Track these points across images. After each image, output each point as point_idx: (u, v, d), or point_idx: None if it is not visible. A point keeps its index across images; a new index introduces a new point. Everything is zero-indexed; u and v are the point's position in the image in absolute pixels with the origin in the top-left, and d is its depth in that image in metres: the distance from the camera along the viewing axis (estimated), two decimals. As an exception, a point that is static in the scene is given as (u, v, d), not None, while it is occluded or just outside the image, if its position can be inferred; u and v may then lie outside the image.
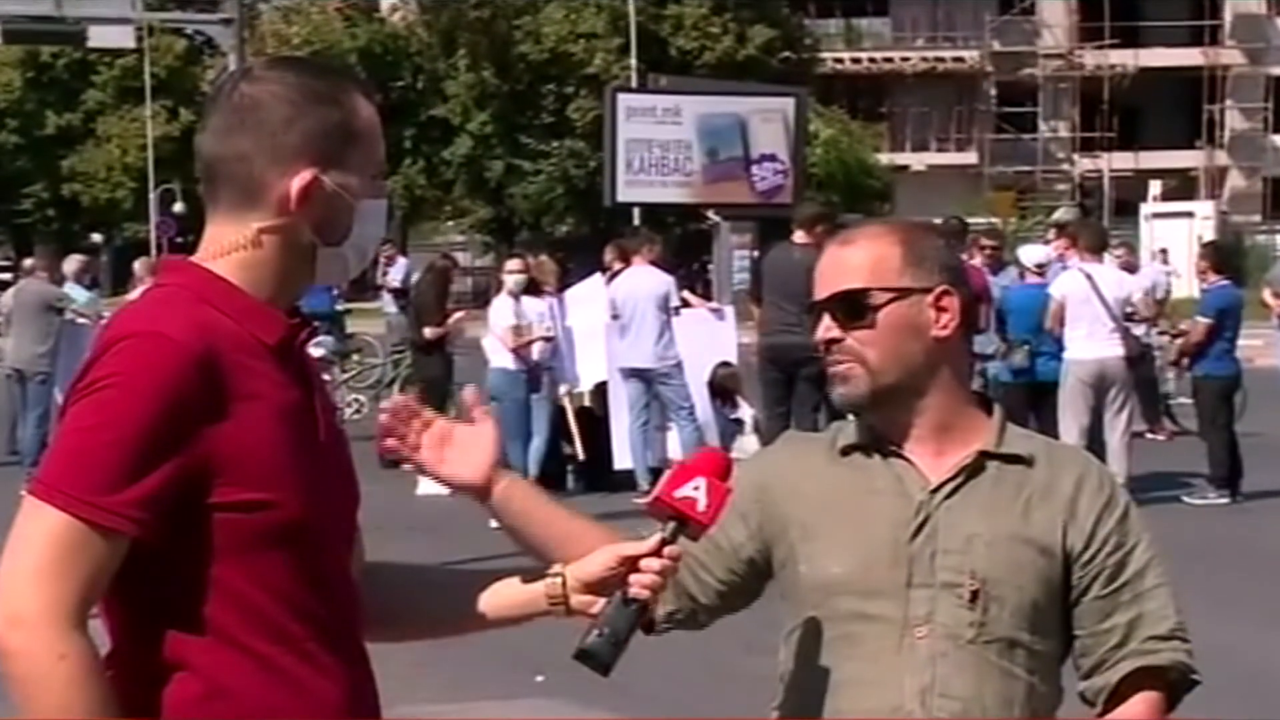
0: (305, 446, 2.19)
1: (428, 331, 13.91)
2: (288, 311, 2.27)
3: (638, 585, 2.28)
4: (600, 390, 13.64)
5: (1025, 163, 56.31)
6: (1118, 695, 2.54)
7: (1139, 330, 13.19)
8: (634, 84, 35.18)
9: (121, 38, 23.04)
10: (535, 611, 2.40)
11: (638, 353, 12.95)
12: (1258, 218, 54.36)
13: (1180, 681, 2.56)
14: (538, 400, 12.78)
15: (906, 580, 2.48)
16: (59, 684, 2.01)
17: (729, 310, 15.16)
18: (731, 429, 13.87)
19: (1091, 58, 56.06)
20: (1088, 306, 12.06)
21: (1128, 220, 43.65)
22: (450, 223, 54.82)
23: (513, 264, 13.29)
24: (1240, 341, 13.39)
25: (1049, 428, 10.99)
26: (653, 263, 13.25)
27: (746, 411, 14.08)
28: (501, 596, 2.42)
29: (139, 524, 2.05)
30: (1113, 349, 12.09)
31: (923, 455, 2.55)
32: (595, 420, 13.48)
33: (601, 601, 2.30)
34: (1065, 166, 57.36)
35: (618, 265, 13.96)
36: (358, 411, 16.77)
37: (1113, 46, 55.03)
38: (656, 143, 19.81)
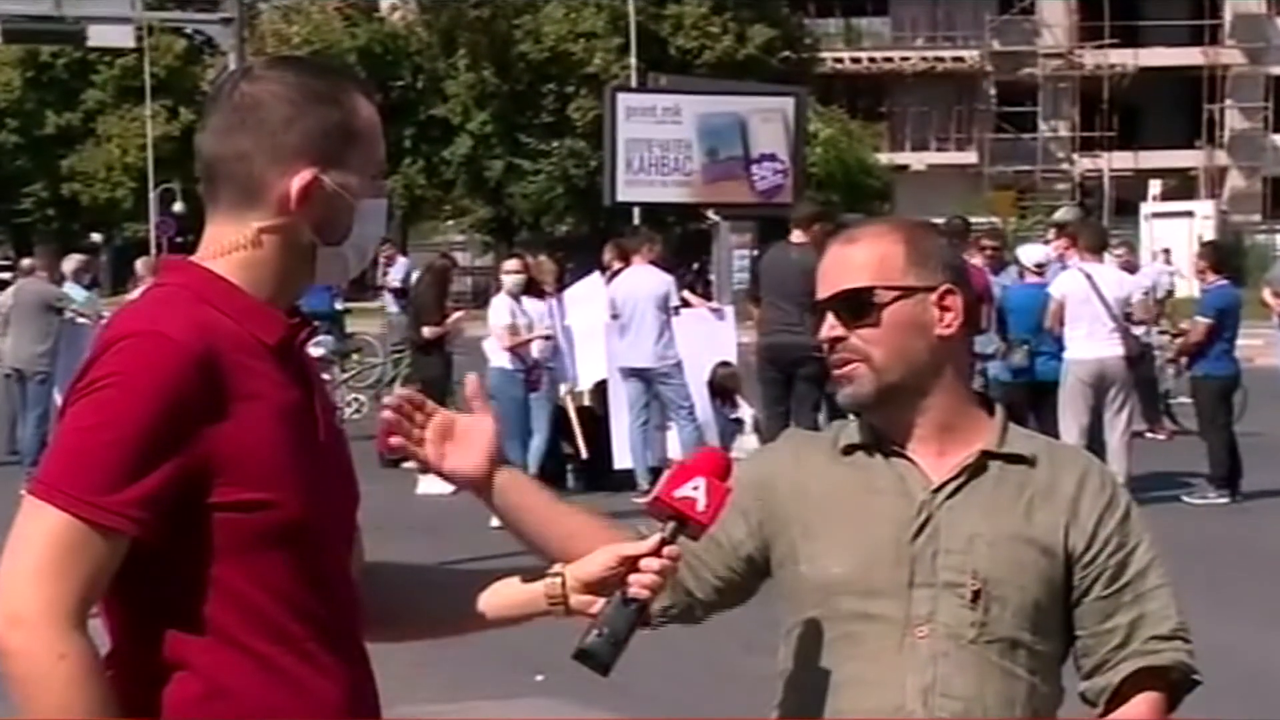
0: (305, 446, 2.19)
1: (427, 331, 13.91)
2: (288, 311, 2.27)
3: (637, 585, 2.28)
4: (600, 389, 13.65)
5: (1025, 162, 56.33)
6: (1119, 695, 2.54)
7: (1139, 330, 13.18)
8: (634, 83, 35.18)
9: (121, 37, 23.02)
10: (535, 611, 2.39)
11: (637, 352, 12.96)
12: (1257, 217, 54.39)
13: (1182, 682, 2.56)
14: (537, 399, 12.78)
15: (908, 580, 2.47)
16: (59, 684, 2.00)
17: (729, 310, 15.16)
18: (731, 429, 13.88)
19: (1091, 57, 56.08)
20: (1087, 306, 12.06)
21: (1128, 220, 43.68)
22: (450, 222, 54.81)
23: (511, 264, 13.30)
24: (1240, 341, 13.39)
25: (1049, 427, 10.99)
26: (652, 262, 13.25)
27: (746, 411, 14.08)
28: (501, 596, 2.42)
29: (139, 524, 2.05)
30: (1112, 349, 12.10)
31: (925, 455, 2.55)
32: (595, 420, 13.48)
33: (601, 601, 2.30)
34: (1065, 166, 57.38)
35: (617, 265, 13.97)
36: (358, 411, 16.77)
37: (1112, 46, 55.05)
38: (656, 142, 19.82)
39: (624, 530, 2.51)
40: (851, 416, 2.64)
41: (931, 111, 57.19)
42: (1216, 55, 55.86)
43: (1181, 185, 51.91)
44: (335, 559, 2.26)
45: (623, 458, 13.18)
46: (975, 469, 2.53)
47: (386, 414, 2.44)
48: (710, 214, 23.23)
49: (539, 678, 7.25)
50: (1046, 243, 14.95)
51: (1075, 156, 57.15)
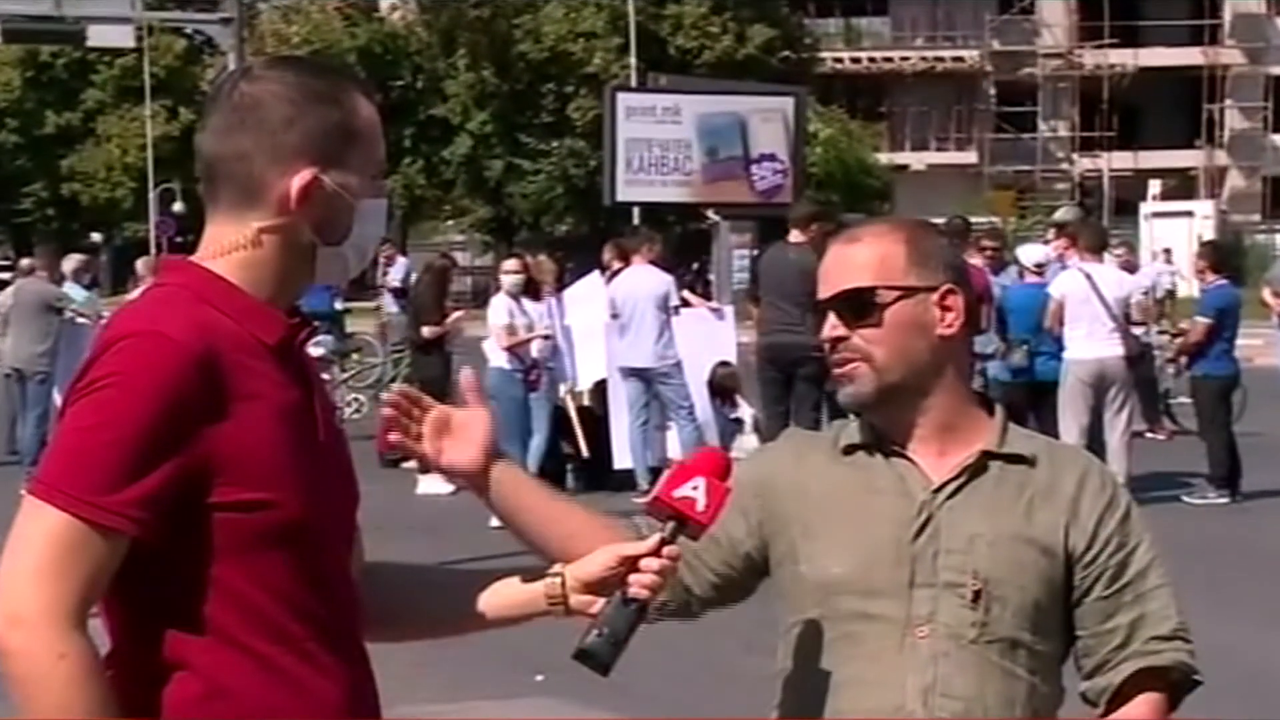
0: (305, 446, 2.19)
1: (426, 331, 13.91)
2: (288, 311, 2.27)
3: (637, 585, 2.28)
4: (600, 389, 13.65)
5: (1025, 162, 56.33)
6: (1120, 696, 2.54)
7: (1139, 330, 13.18)
8: (634, 83, 35.19)
9: (121, 37, 23.02)
10: (535, 611, 2.40)
11: (637, 352, 12.96)
12: (1257, 217, 54.40)
13: (1183, 682, 2.56)
14: (537, 399, 12.78)
15: (909, 580, 2.47)
16: (59, 684, 2.00)
17: (728, 310, 15.16)
18: (731, 428, 13.88)
19: (1091, 57, 56.08)
20: (1087, 306, 12.06)
21: (1127, 220, 43.70)
22: (450, 222, 54.81)
23: (510, 264, 13.30)
24: (1240, 341, 13.40)
25: (1049, 427, 10.99)
26: (652, 262, 13.25)
27: (746, 411, 14.08)
28: (501, 596, 2.42)
29: (139, 524, 2.05)
30: (1112, 349, 12.10)
31: (925, 455, 2.55)
32: (595, 420, 13.48)
33: (601, 601, 2.30)
34: (1065, 166, 57.38)
35: (616, 264, 13.97)
36: (358, 411, 16.77)
37: (1112, 46, 55.05)
38: (656, 142, 19.83)
39: (621, 526, 2.52)
40: (851, 416, 2.64)
41: (931, 111, 57.20)
42: (1216, 55, 55.86)
43: (1181, 185, 51.93)
44: (335, 559, 2.26)
45: (623, 458, 13.18)
46: (976, 469, 2.53)
47: (385, 410, 2.44)
48: (710, 214, 23.25)
49: (539, 678, 7.25)
50: (1046, 243, 14.95)
51: (1075, 156, 57.15)
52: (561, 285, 14.30)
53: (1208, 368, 12.76)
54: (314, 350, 8.50)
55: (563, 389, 13.38)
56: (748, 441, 13.25)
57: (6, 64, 54.63)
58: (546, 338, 12.82)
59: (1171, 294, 28.79)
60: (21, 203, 56.38)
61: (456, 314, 14.47)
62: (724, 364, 14.05)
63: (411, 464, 13.68)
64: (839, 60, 55.82)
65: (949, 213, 19.38)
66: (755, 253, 16.72)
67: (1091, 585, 2.53)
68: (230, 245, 2.23)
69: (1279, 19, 56.30)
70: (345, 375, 17.71)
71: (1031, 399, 12.18)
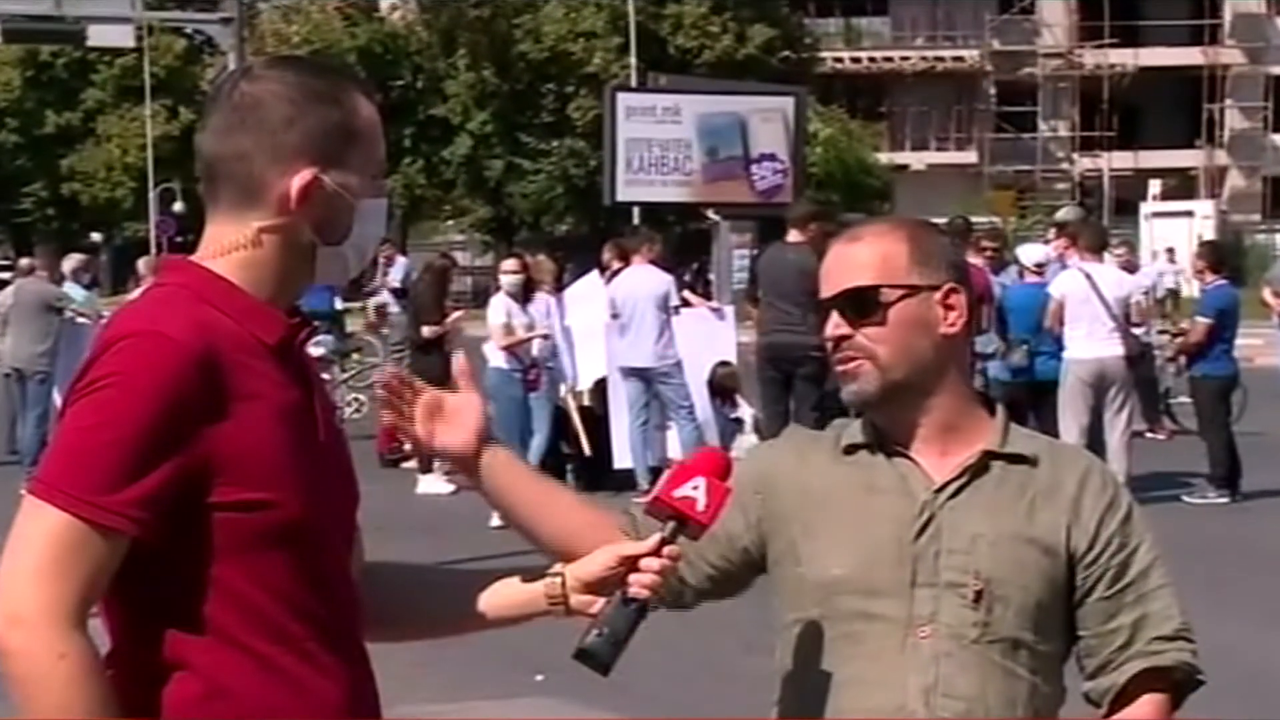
0: (305, 446, 2.19)
1: (426, 330, 13.90)
2: (288, 311, 2.27)
3: (637, 585, 2.28)
4: (600, 388, 13.65)
5: (1025, 162, 56.34)
6: (1124, 696, 2.54)
7: (1139, 330, 13.18)
8: (634, 83, 35.19)
9: (121, 37, 23.03)
10: (535, 611, 2.40)
11: (637, 352, 12.96)
12: (1257, 217, 54.41)
13: (1185, 681, 2.56)
14: (537, 399, 12.78)
15: (910, 580, 2.47)
16: (59, 683, 2.00)
17: (729, 310, 15.15)
18: (731, 428, 13.88)
19: (1091, 57, 56.09)
20: (1087, 306, 12.06)
21: (1127, 220, 43.71)
22: (450, 222, 54.83)
23: (509, 264, 13.31)
24: (1240, 341, 13.40)
25: (1049, 427, 10.99)
26: (652, 262, 13.26)
27: (746, 411, 14.08)
28: (501, 596, 2.42)
29: (139, 523, 2.05)
30: (1112, 348, 12.10)
31: (927, 455, 2.55)
32: (595, 419, 13.48)
33: (601, 601, 2.30)
34: (1065, 166, 57.40)
35: (616, 264, 13.97)
36: (358, 411, 16.77)
37: (1112, 46, 55.06)
38: (656, 142, 19.82)
39: (614, 514, 2.53)
40: (853, 415, 2.64)
41: (931, 111, 57.20)
42: (1216, 55, 55.87)
43: (1181, 185, 51.93)
44: (335, 559, 2.26)
45: (623, 457, 13.19)
46: (977, 469, 2.53)
47: (379, 391, 2.46)
48: (710, 214, 23.22)
49: (539, 678, 7.25)
50: (1046, 242, 14.96)
51: (1075, 156, 57.17)
52: (561, 285, 14.30)
53: (1207, 368, 12.76)
54: (314, 350, 8.51)
55: (563, 389, 13.38)
56: (748, 441, 13.24)
57: (6, 64, 54.65)
58: (545, 337, 12.82)
59: (1175, 293, 28.82)
60: (21, 203, 56.41)
61: (456, 314, 14.46)
62: (724, 364, 14.05)
63: (411, 464, 13.70)
64: (839, 60, 55.82)
65: (949, 213, 19.41)
66: (755, 253, 16.72)
67: (1093, 585, 2.53)
68: (230, 245, 2.23)
69: (1279, 19, 56.30)
70: (345, 375, 17.71)
71: (1031, 399, 12.18)
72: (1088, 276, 12.17)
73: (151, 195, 48.28)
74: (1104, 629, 2.53)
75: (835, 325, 2.55)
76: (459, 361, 2.57)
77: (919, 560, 2.48)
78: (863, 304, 2.53)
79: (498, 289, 13.12)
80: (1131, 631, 2.53)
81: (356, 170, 2.26)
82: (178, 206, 47.66)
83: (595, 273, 14.46)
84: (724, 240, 22.51)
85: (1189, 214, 43.67)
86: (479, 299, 30.31)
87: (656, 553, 2.30)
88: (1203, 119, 55.54)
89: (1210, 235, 35.77)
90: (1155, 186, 46.53)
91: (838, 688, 2.49)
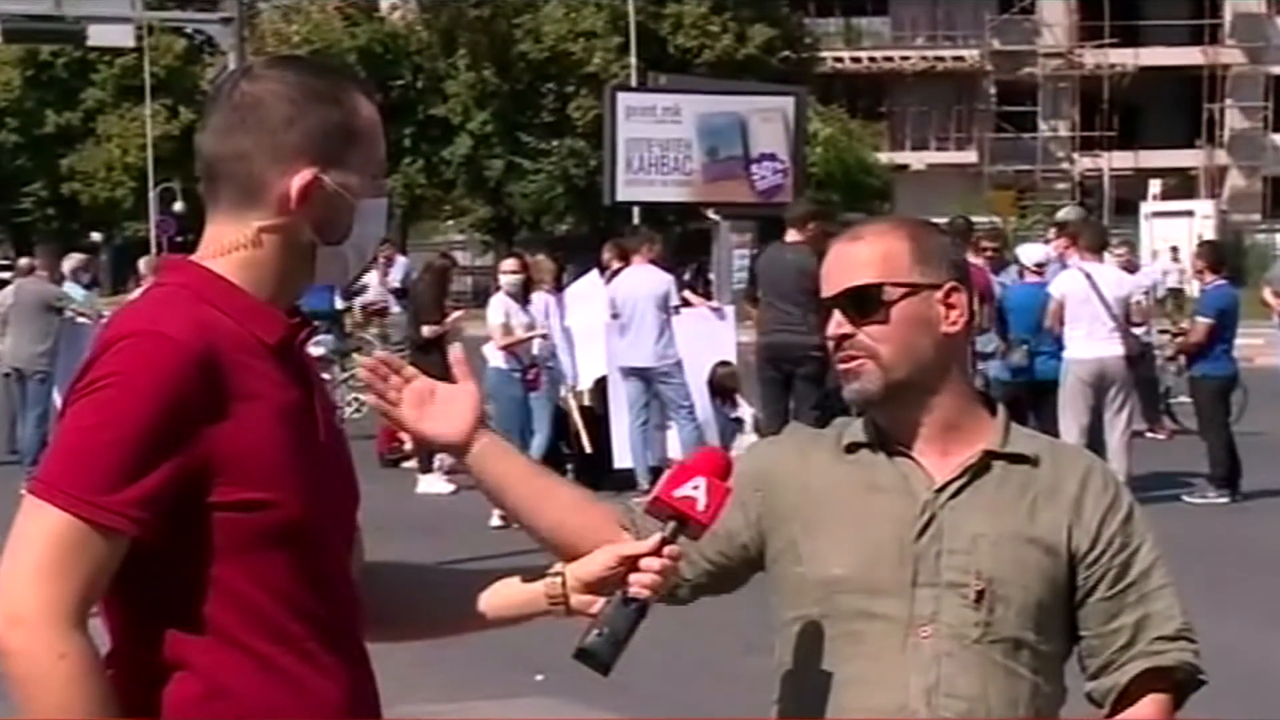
0: (305, 446, 2.19)
1: (426, 330, 13.91)
2: (288, 311, 2.27)
3: (637, 585, 2.28)
4: (600, 388, 13.65)
5: (1025, 162, 56.35)
6: (1126, 696, 2.54)
7: (1139, 329, 13.19)
8: (634, 83, 35.19)
9: (121, 37, 23.02)
10: (535, 611, 2.40)
11: (637, 352, 12.96)
12: (1257, 217, 54.42)
13: (1188, 681, 2.57)
14: (538, 399, 12.78)
15: (911, 579, 2.47)
16: (59, 683, 2.00)
17: (729, 310, 15.15)
18: (731, 428, 13.88)
19: (1091, 57, 56.09)
20: (1087, 306, 12.06)
21: (1128, 219, 43.71)
22: (450, 222, 54.82)
23: (508, 264, 13.32)
24: (1240, 341, 13.40)
25: (1049, 427, 10.99)
26: (652, 262, 13.26)
27: (746, 411, 14.08)
28: (501, 596, 2.42)
29: (139, 523, 2.05)
30: (1112, 348, 12.10)
31: (928, 454, 2.55)
32: (595, 419, 13.48)
33: (601, 601, 2.30)
34: (1065, 165, 57.40)
35: (616, 264, 13.97)
36: (358, 411, 16.75)
37: (1112, 45, 55.06)
38: (656, 142, 19.81)
39: (610, 507, 2.54)
40: (854, 413, 2.64)
41: (931, 111, 57.20)
42: (1216, 55, 55.87)
43: (1181, 185, 51.93)
44: (335, 559, 2.26)
45: (623, 457, 13.19)
46: (979, 469, 2.53)
47: (362, 373, 2.46)
48: (710, 214, 23.22)
49: (539, 678, 7.25)
50: (1047, 242, 14.96)
51: (1075, 156, 57.17)
52: (560, 285, 14.30)
53: (1207, 368, 12.76)
54: (314, 350, 8.50)
55: (563, 389, 13.38)
56: (748, 441, 13.23)
57: (6, 64, 54.64)
58: (544, 337, 12.82)
59: (1180, 292, 28.83)
60: (21, 202, 56.39)
61: (456, 314, 14.47)
62: (724, 364, 14.05)
63: (411, 464, 13.70)
64: (839, 60, 55.82)
65: (949, 212, 19.40)
66: (755, 252, 16.72)
67: (1095, 585, 2.53)
68: (230, 245, 2.22)
69: (1279, 19, 56.30)
70: (345, 375, 17.70)
71: (1032, 398, 12.18)
72: (1088, 276, 12.17)
73: (151, 195, 48.28)
74: (1106, 629, 2.53)
75: (837, 324, 2.55)
76: (454, 352, 2.57)
77: (920, 560, 2.48)
78: (865, 303, 2.53)
79: (498, 289, 13.12)
80: (1133, 632, 2.53)
81: (356, 170, 2.26)
82: (178, 206, 47.66)
83: (595, 272, 14.45)
84: (724, 240, 22.51)
85: (1189, 214, 43.66)
86: (479, 299, 30.29)
87: (657, 552, 2.30)
88: (1203, 119, 55.55)
89: (1210, 235, 35.76)
90: (1155, 186, 46.54)
91: (838, 687, 2.49)
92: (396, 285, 19.15)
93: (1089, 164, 56.25)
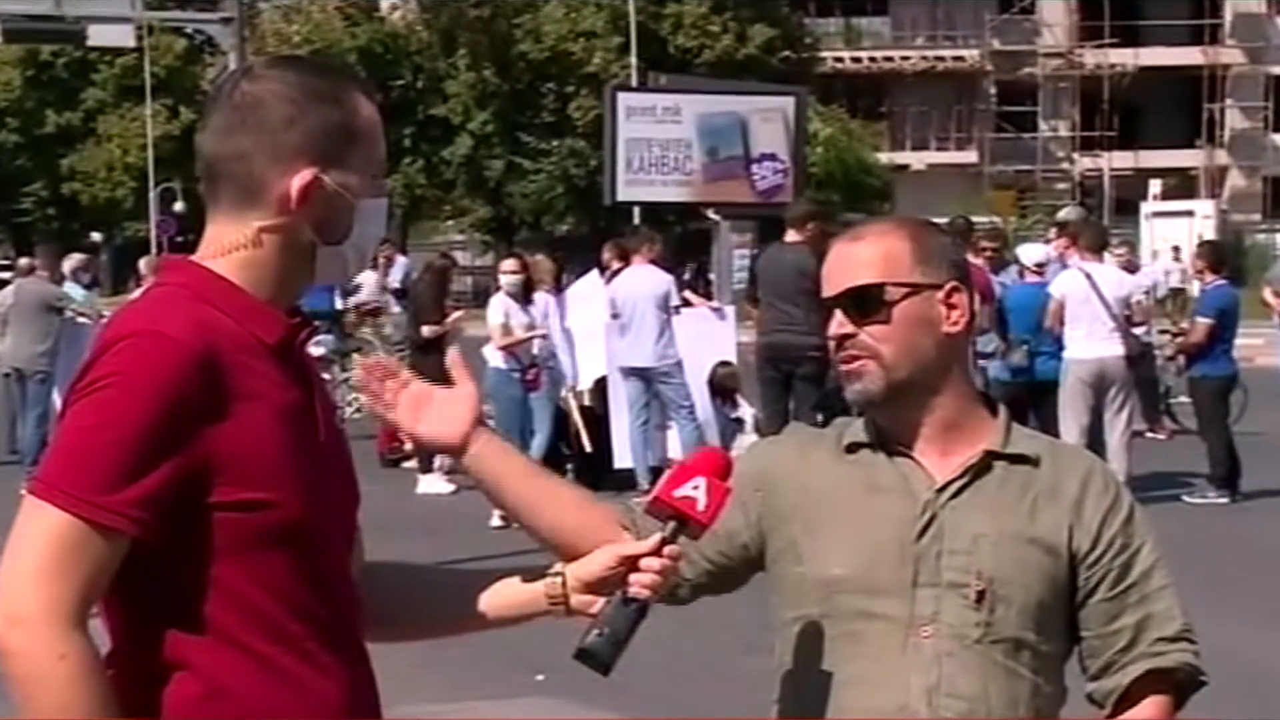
0: (305, 446, 2.19)
1: (426, 330, 13.91)
2: (288, 311, 2.27)
3: (638, 585, 2.28)
4: (600, 388, 13.65)
5: (1025, 162, 56.35)
6: (1127, 697, 2.55)
7: (1139, 329, 13.19)
8: (634, 83, 35.19)
9: (121, 37, 23.02)
10: (535, 611, 2.40)
11: (638, 352, 12.96)
12: (1258, 217, 54.42)
13: (1188, 682, 2.57)
14: (538, 399, 12.78)
15: (912, 579, 2.47)
16: (59, 684, 2.00)
17: (729, 310, 15.15)
18: (731, 428, 13.88)
19: (1091, 57, 56.10)
20: (1088, 306, 12.06)
21: (1128, 219, 43.69)
22: (450, 222, 54.83)
23: (508, 264, 13.32)
24: (1240, 341, 13.39)
25: (1049, 427, 10.99)
26: (652, 262, 13.26)
27: (746, 411, 14.08)
28: (501, 596, 2.42)
29: (139, 523, 2.05)
30: (1113, 348, 12.10)
31: (929, 455, 2.55)
32: (595, 419, 13.48)
33: (601, 601, 2.30)
34: (1065, 165, 57.40)
35: (616, 264, 13.97)
36: (358, 411, 16.75)
37: (1113, 45, 55.06)
38: (656, 142, 19.81)
39: (610, 507, 2.53)
40: (855, 413, 2.64)
41: (931, 111, 57.20)
42: (1216, 55, 55.87)
43: (1181, 185, 51.93)
44: (335, 559, 2.26)
45: (623, 457, 13.19)
46: (979, 469, 2.53)
47: (357, 374, 2.46)
48: (710, 214, 23.23)
49: (539, 678, 7.25)
50: (1047, 242, 14.95)
51: (1075, 156, 57.17)
52: (560, 285, 14.29)
53: (1206, 368, 12.75)
54: (314, 350, 8.50)
55: (564, 390, 13.38)
56: (748, 441, 13.23)
57: (6, 64, 54.66)
58: (543, 338, 12.82)
59: (1182, 291, 28.83)
60: (21, 202, 56.42)
61: (456, 314, 14.47)
62: (724, 364, 14.05)
63: (411, 464, 13.70)
64: (839, 60, 55.82)
65: (949, 212, 19.40)
66: (755, 253, 16.72)
67: (1096, 586, 2.53)
68: (231, 245, 2.22)
69: (1279, 19, 56.29)
70: (345, 375, 17.70)
71: (1032, 399, 12.18)
72: (1088, 276, 12.17)
73: (152, 195, 48.30)
74: (1107, 630, 2.53)
75: (839, 324, 2.55)
76: (452, 354, 2.57)
77: (921, 560, 2.48)
78: (866, 302, 2.53)
79: (497, 289, 13.12)
80: (1134, 633, 2.53)
81: (357, 170, 2.26)
82: (178, 206, 47.68)
83: (595, 273, 14.45)
84: (724, 240, 22.51)
85: (1189, 214, 43.64)
86: (479, 299, 30.30)
87: (657, 552, 2.30)
88: (1203, 119, 55.55)
89: (1210, 235, 35.75)
90: (1155, 186, 46.52)
91: (839, 687, 2.49)
92: (396, 285, 19.15)
93: (1089, 164, 56.25)
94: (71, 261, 15.95)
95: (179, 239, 45.50)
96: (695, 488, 2.32)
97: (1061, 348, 12.20)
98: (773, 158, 20.38)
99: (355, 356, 18.90)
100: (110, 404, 2.05)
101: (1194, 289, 22.72)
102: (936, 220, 3.07)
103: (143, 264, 16.97)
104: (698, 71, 41.41)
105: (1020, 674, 2.48)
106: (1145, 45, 55.19)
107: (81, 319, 14.60)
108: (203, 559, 2.11)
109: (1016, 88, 56.86)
